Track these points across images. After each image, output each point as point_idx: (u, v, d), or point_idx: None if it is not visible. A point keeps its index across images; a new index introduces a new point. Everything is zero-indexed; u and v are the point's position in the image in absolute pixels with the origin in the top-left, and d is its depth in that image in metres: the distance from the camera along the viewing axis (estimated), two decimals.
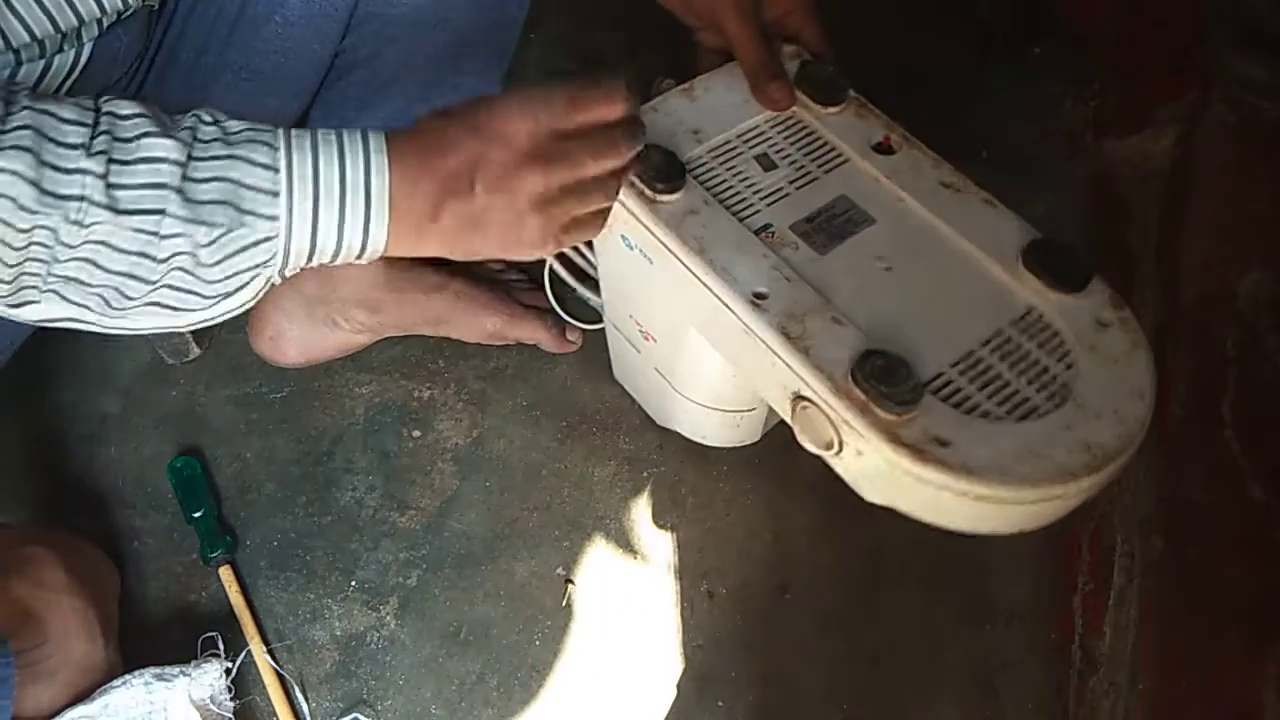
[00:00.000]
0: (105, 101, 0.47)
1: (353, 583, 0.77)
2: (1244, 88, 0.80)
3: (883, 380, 0.53)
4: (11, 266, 0.45)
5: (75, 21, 0.57)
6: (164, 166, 0.46)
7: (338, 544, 0.79)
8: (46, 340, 0.78)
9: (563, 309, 0.88)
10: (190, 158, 0.47)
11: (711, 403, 0.75)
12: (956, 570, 0.79)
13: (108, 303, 0.48)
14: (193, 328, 0.51)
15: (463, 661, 0.74)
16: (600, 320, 0.82)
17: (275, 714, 0.71)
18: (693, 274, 0.61)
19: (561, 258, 0.88)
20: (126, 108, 0.47)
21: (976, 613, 0.78)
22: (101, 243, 0.45)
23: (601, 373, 0.86)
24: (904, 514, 0.56)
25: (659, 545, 0.80)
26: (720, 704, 0.74)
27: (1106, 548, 0.75)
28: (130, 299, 0.48)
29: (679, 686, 0.74)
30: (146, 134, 0.46)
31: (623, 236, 0.66)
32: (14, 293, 0.46)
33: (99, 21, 0.59)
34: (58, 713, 0.63)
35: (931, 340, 0.58)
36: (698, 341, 0.66)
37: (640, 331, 0.74)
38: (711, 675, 0.75)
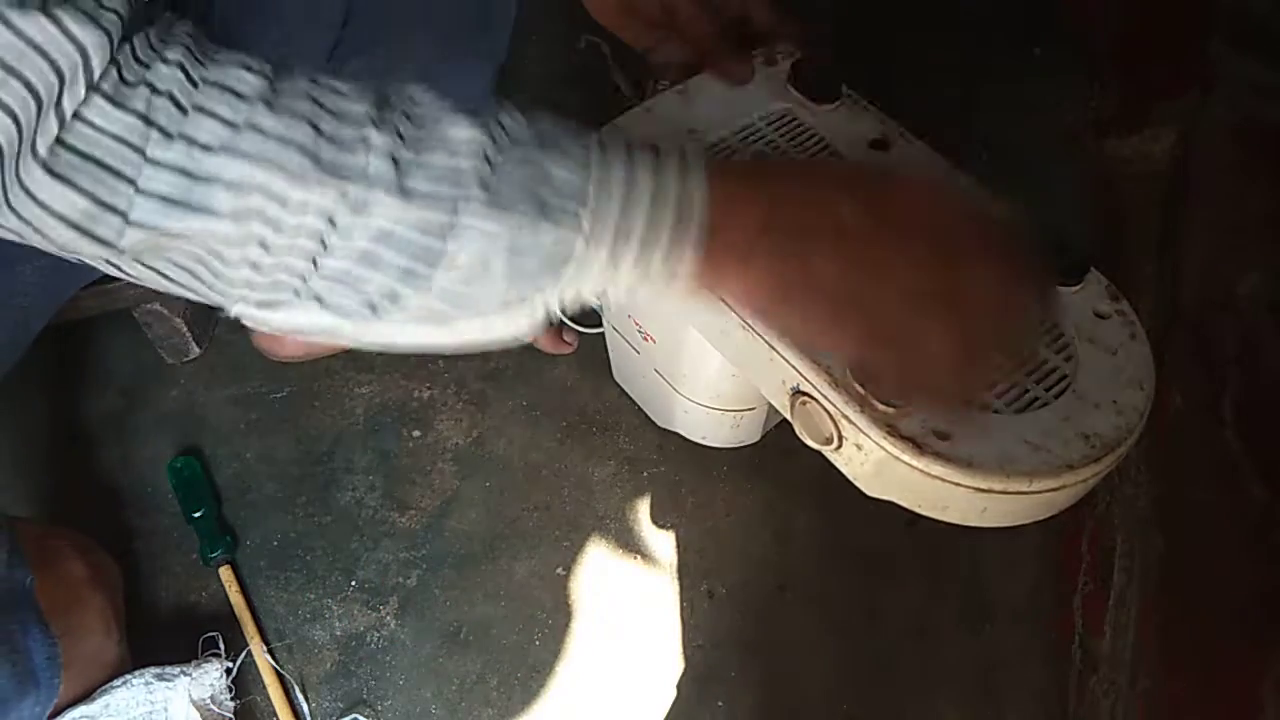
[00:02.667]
0: (388, 83, 0.42)
1: (353, 583, 0.77)
2: (1244, 88, 0.80)
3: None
4: (272, 256, 0.39)
5: None
6: (466, 150, 0.40)
7: (338, 544, 0.79)
8: (46, 340, 0.78)
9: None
10: (495, 142, 0.41)
11: (711, 403, 0.75)
12: (956, 570, 0.79)
13: (374, 310, 0.41)
14: (455, 350, 0.45)
15: (463, 661, 0.74)
16: (600, 324, 0.82)
17: (275, 714, 0.71)
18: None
19: None
20: (418, 90, 0.42)
21: (976, 613, 0.78)
22: (382, 233, 0.39)
23: (601, 373, 0.86)
24: (905, 508, 0.56)
25: (659, 545, 0.80)
26: (720, 704, 0.74)
27: (1106, 548, 0.75)
28: (402, 305, 0.41)
29: (679, 686, 0.74)
30: (445, 113, 0.41)
31: None
32: (268, 289, 0.40)
33: None
34: (67, 706, 0.63)
35: None
36: (697, 340, 0.66)
37: (639, 332, 0.74)
38: (711, 675, 0.75)
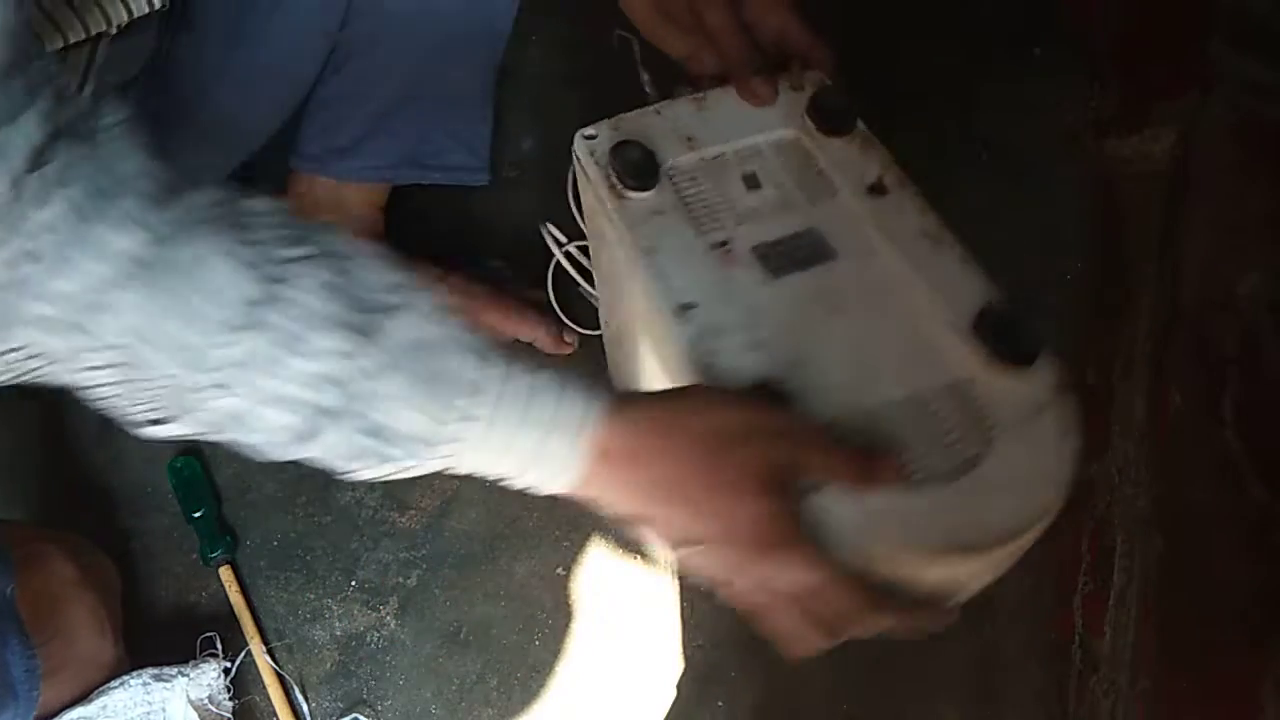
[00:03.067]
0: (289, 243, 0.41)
1: (353, 583, 0.77)
2: (1244, 88, 0.80)
3: None
4: (136, 390, 0.40)
5: (104, 25, 0.57)
6: (328, 364, 0.40)
7: (338, 544, 0.79)
8: None
9: (565, 312, 0.88)
10: (362, 356, 0.40)
11: None
12: None
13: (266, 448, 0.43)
14: None
15: (463, 661, 0.74)
16: (599, 326, 0.82)
17: (275, 714, 0.71)
18: (637, 273, 0.60)
19: (569, 256, 0.88)
20: (308, 271, 0.40)
21: (976, 613, 0.78)
22: (235, 414, 0.40)
23: (600, 373, 0.86)
24: None
25: (659, 545, 0.80)
26: (720, 704, 0.74)
27: (1106, 548, 0.75)
28: (269, 456, 0.43)
29: (679, 686, 0.74)
30: (319, 315, 0.40)
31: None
32: (144, 411, 0.41)
33: (118, 25, 0.59)
34: (63, 708, 0.63)
35: (846, 386, 0.55)
36: (645, 347, 0.66)
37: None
38: (711, 675, 0.75)
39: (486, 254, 0.94)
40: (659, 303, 0.58)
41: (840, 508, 0.49)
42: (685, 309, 0.58)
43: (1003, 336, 0.55)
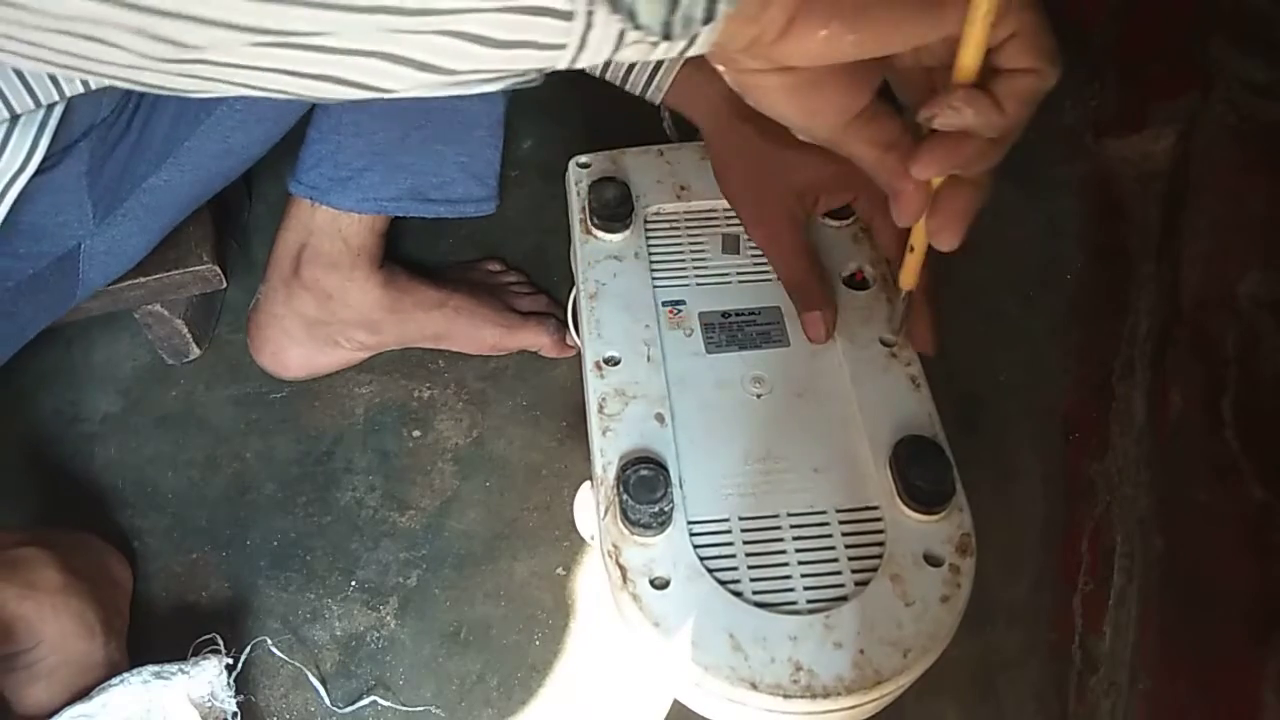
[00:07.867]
0: None
1: (353, 583, 0.77)
2: (1244, 88, 0.80)
3: (634, 491, 0.50)
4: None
5: (57, 97, 0.56)
6: None
7: (338, 544, 0.79)
8: (46, 340, 0.78)
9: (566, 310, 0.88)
10: None
11: None
12: None
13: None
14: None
15: (463, 661, 0.74)
16: None
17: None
18: (579, 315, 0.59)
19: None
20: None
21: (976, 613, 0.78)
22: None
23: None
24: None
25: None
26: None
27: (1106, 548, 0.75)
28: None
29: None
30: None
31: None
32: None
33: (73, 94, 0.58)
34: (58, 709, 0.63)
35: (736, 484, 0.53)
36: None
37: None
38: None
39: (486, 256, 0.94)
40: (586, 348, 0.57)
41: (675, 615, 0.47)
42: (608, 363, 0.56)
43: (914, 475, 0.52)
